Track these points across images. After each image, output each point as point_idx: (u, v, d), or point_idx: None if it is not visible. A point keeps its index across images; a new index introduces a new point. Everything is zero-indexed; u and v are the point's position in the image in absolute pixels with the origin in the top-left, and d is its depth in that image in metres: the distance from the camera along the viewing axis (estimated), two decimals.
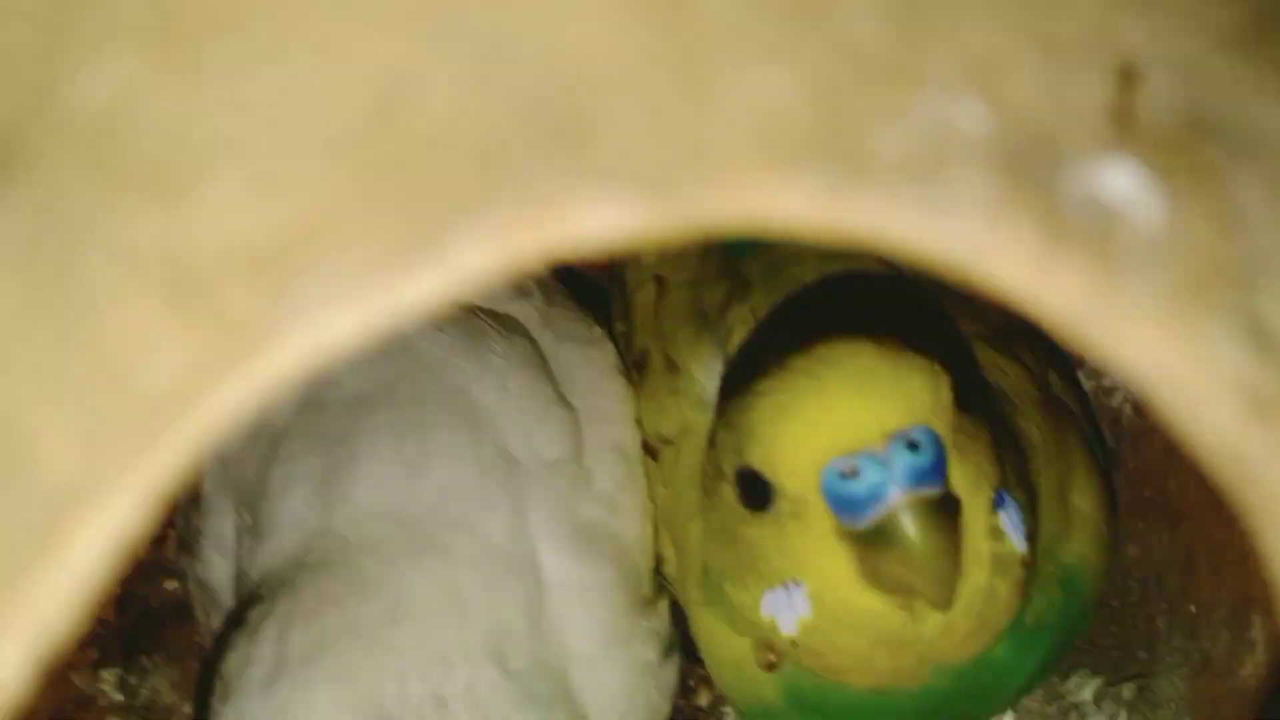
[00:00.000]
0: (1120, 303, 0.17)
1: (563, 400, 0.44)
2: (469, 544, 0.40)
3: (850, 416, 0.32)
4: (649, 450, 0.44)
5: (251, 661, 0.37)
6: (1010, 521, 0.35)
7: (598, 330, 0.47)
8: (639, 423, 0.44)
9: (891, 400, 0.32)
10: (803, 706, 0.39)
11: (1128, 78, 0.18)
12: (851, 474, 0.32)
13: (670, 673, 0.43)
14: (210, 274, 0.16)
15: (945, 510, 0.32)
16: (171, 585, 0.53)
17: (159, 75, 0.17)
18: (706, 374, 0.42)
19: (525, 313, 0.46)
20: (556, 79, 0.16)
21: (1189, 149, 0.18)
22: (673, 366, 0.43)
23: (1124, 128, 0.18)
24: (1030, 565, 0.35)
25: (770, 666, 0.39)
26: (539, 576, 0.41)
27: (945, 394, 0.32)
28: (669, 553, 0.43)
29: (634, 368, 0.45)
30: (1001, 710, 0.44)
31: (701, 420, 0.41)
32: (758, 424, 0.33)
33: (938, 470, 0.32)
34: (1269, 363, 0.18)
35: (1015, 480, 0.36)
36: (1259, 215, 0.18)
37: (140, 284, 0.16)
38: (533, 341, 0.45)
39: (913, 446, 0.31)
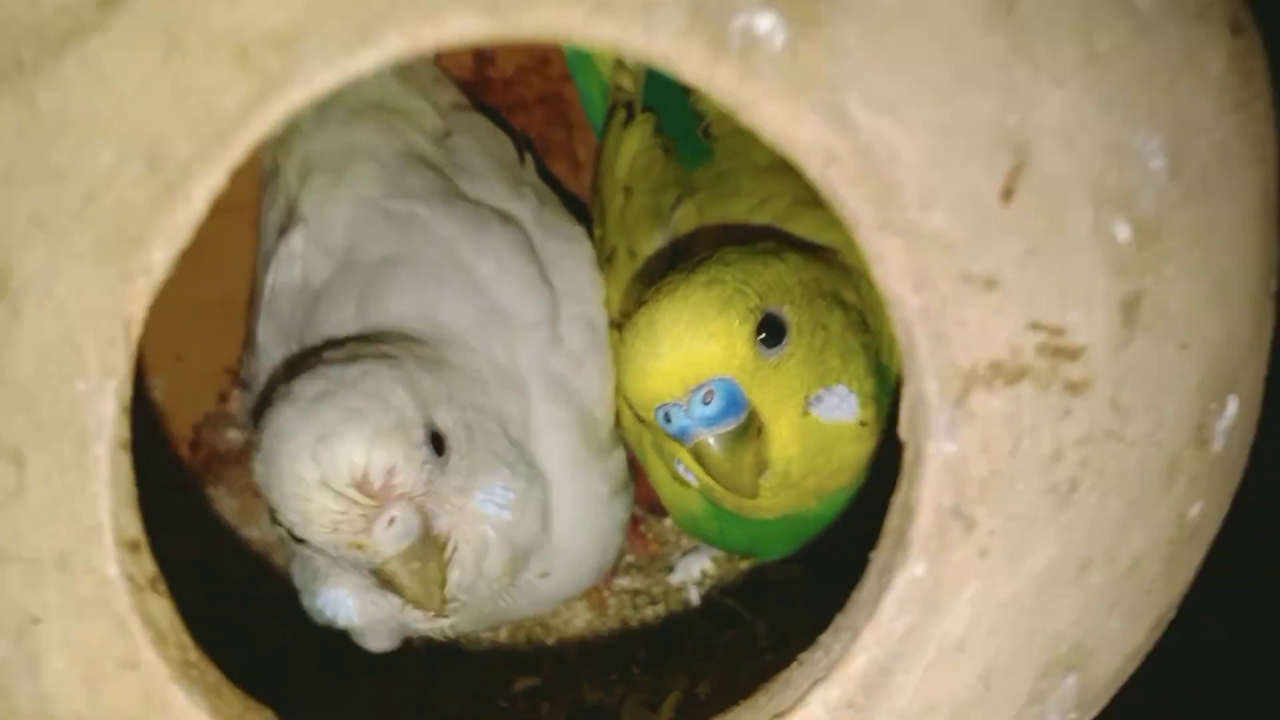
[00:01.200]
0: (754, 91, 0.31)
1: (545, 280, 0.54)
2: (476, 358, 0.51)
3: (663, 375, 0.43)
4: (616, 327, 0.54)
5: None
6: (834, 408, 0.45)
7: (579, 229, 0.58)
8: (607, 305, 0.55)
9: (692, 361, 0.43)
10: (718, 515, 0.51)
11: None
12: (666, 419, 0.44)
13: (619, 508, 0.54)
14: (254, 43, 0.30)
15: (744, 432, 0.43)
16: (233, 434, 0.66)
17: None
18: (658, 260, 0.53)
19: (521, 211, 0.57)
20: None
21: (812, 4, 0.31)
22: (634, 255, 0.54)
23: None
24: (878, 420, 0.46)
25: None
26: (528, 395, 0.52)
27: (741, 349, 0.43)
28: (625, 410, 0.53)
29: (606, 262, 0.56)
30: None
31: None
32: (620, 369, 0.46)
33: (732, 409, 0.43)
34: (840, 132, 0.31)
35: (851, 367, 0.45)
36: (850, 48, 0.32)
37: (219, 50, 0.31)
38: (525, 233, 0.55)
39: (709, 396, 0.43)
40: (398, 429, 0.43)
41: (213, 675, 0.33)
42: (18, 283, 0.31)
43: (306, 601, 0.50)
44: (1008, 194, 0.33)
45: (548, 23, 0.30)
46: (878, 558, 0.34)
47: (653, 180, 0.56)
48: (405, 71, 0.60)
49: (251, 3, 0.30)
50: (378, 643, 0.51)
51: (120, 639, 0.31)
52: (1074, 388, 0.33)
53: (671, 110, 0.59)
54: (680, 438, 0.44)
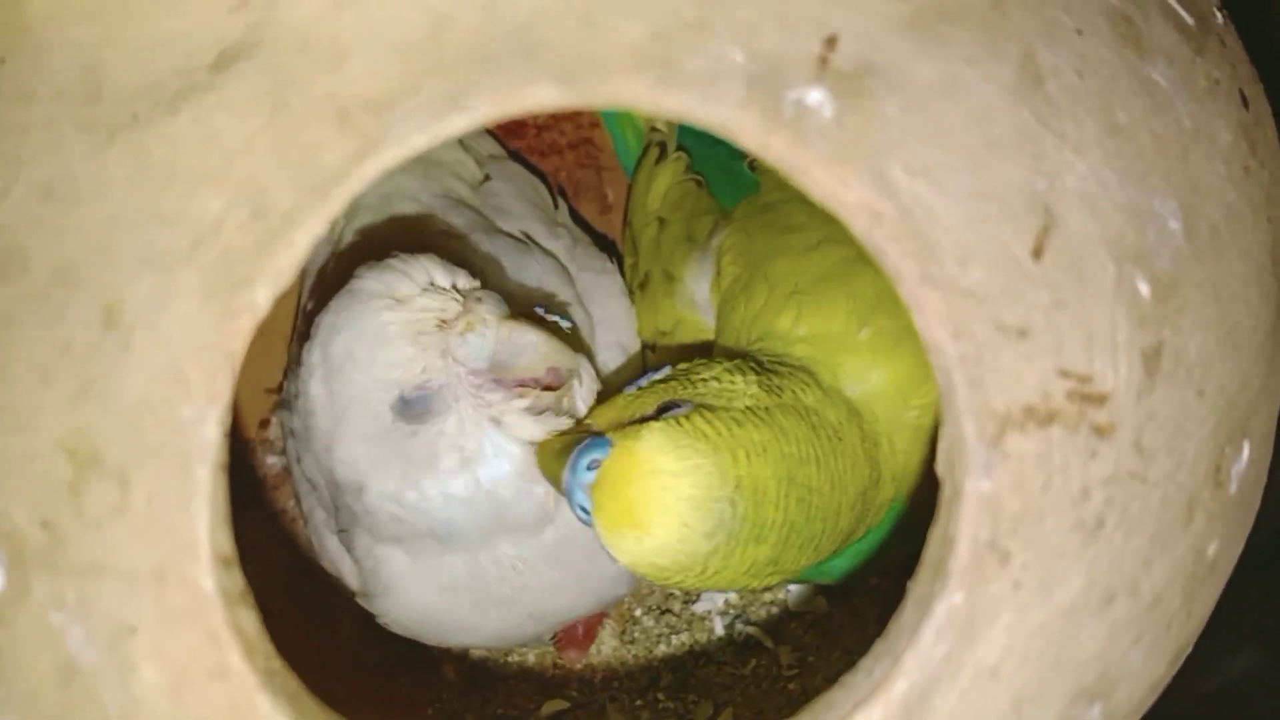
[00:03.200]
0: (805, 158, 0.34)
1: (582, 307, 0.57)
2: None
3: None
4: (649, 348, 0.57)
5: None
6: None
7: (610, 264, 0.61)
8: (640, 328, 0.58)
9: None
10: None
11: (830, 42, 0.34)
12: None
13: None
14: (353, 106, 0.33)
15: None
16: (271, 460, 0.68)
17: (338, 7, 0.34)
18: (694, 281, 0.55)
19: (558, 247, 0.60)
20: (522, 16, 0.33)
21: (858, 81, 0.34)
22: (669, 277, 0.56)
23: (822, 69, 0.34)
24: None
25: None
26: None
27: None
28: None
29: (639, 289, 0.58)
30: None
31: (690, 316, 0.55)
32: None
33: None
34: (883, 195, 0.34)
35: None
36: (891, 119, 0.35)
37: (322, 111, 0.34)
38: (562, 266, 0.58)
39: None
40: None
41: (293, 684, 0.35)
42: (129, 315, 0.34)
43: (462, 482, 0.46)
44: (1038, 252, 0.35)
45: (618, 94, 0.33)
46: (916, 587, 0.36)
47: (686, 210, 0.59)
48: None
49: (353, 69, 0.33)
50: (521, 516, 0.48)
51: (211, 649, 0.34)
52: (1100, 431, 0.36)
53: (710, 150, 0.62)
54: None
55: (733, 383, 0.44)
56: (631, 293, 0.60)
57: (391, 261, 0.45)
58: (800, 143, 0.33)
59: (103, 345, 0.34)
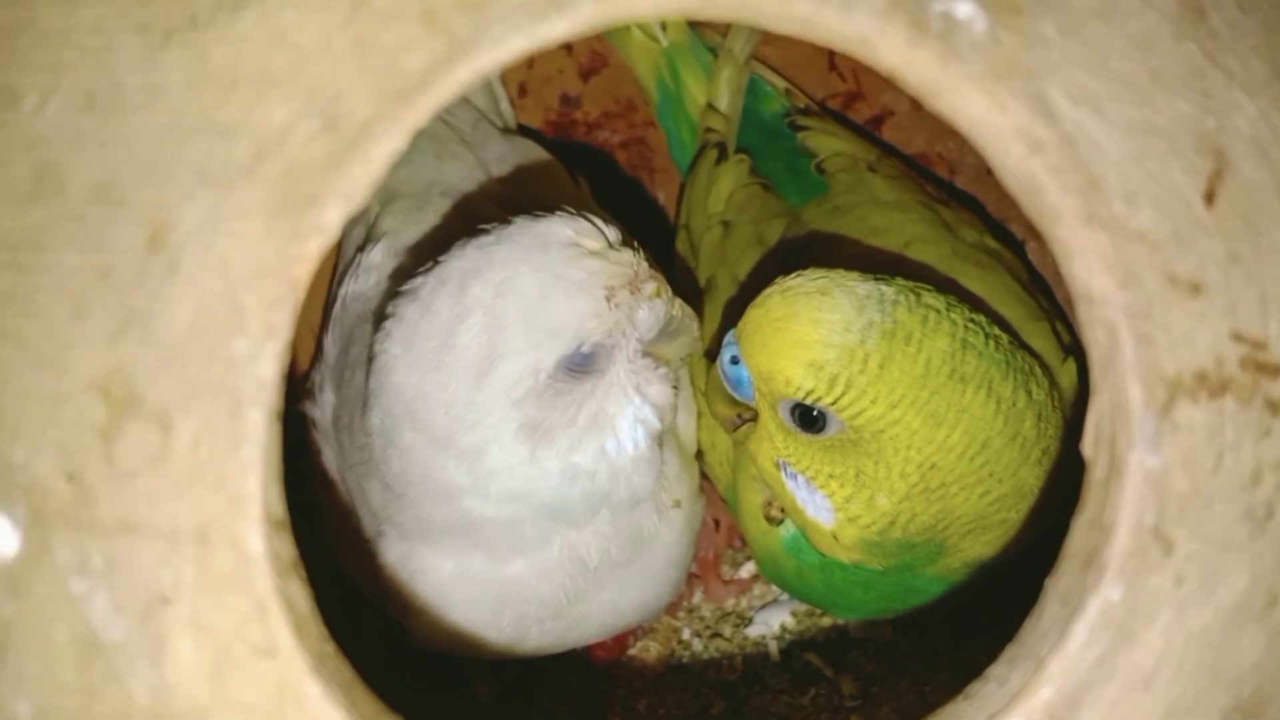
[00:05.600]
0: (955, 74, 0.30)
1: None
2: None
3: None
4: (709, 356, 0.53)
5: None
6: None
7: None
8: (701, 337, 0.55)
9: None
10: (799, 551, 0.50)
11: None
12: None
13: (697, 517, 0.53)
14: (440, 4, 0.29)
15: None
16: None
17: None
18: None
19: None
20: None
21: None
22: (737, 280, 0.53)
23: None
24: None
25: (772, 520, 0.51)
26: None
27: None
28: (707, 443, 0.53)
29: (703, 292, 0.55)
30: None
31: None
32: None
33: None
34: (1043, 121, 0.30)
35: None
36: (1049, 39, 0.31)
37: (406, 9, 0.30)
38: None
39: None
40: None
41: (348, 672, 0.31)
42: (178, 237, 0.30)
43: (591, 454, 0.45)
44: (1209, 197, 0.31)
45: (741, 0, 0.29)
46: (1059, 581, 0.32)
47: (754, 213, 0.56)
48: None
49: None
50: (641, 481, 0.47)
51: (259, 623, 0.29)
52: (1274, 407, 0.31)
53: (773, 148, 0.59)
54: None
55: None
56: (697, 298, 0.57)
57: (574, 213, 0.44)
58: (951, 57, 0.29)
59: (147, 271, 0.30)
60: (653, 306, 0.44)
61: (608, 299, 0.42)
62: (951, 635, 0.58)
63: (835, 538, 0.44)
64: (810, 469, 0.44)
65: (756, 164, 0.58)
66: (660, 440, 0.46)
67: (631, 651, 0.60)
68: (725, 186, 0.58)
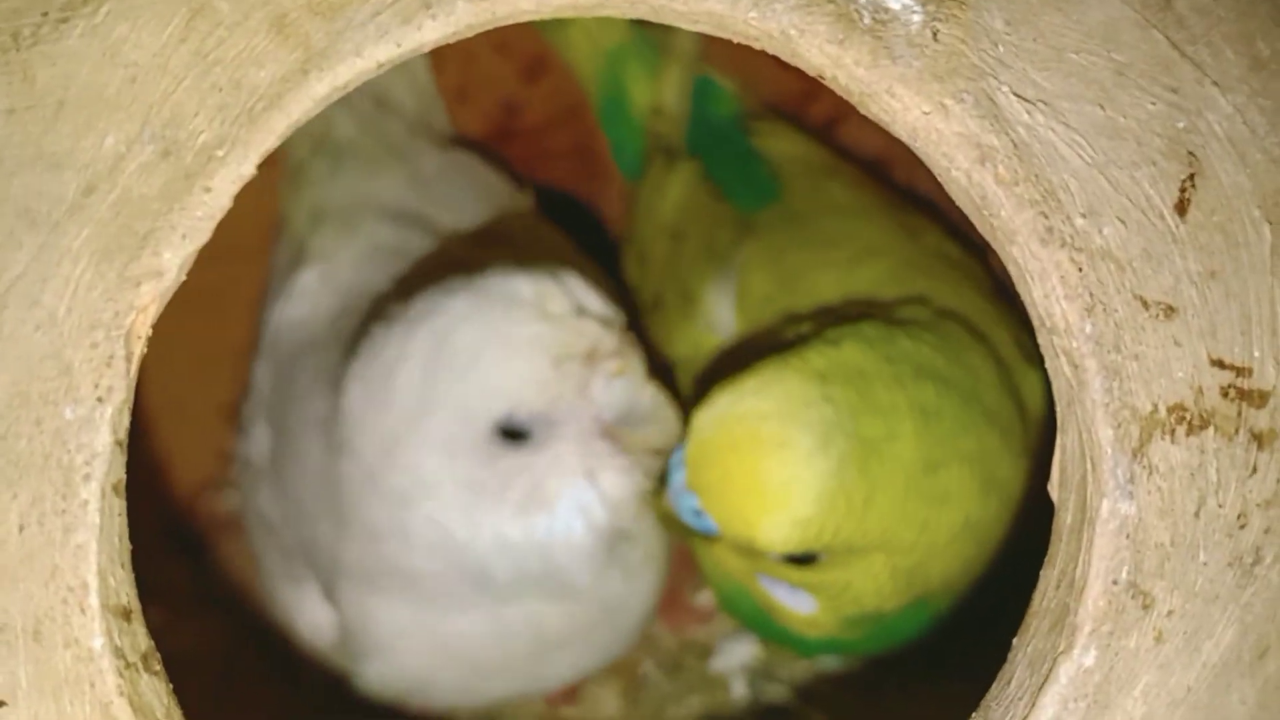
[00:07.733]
0: (888, 75, 0.26)
1: None
2: None
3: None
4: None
5: None
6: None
7: None
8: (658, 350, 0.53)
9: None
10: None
11: None
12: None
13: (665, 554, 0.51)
14: (292, 10, 0.25)
15: None
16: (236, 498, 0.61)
17: None
18: (716, 301, 0.50)
19: None
20: None
21: None
22: (687, 298, 0.51)
23: None
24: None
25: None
26: None
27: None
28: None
29: (651, 309, 0.53)
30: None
31: (711, 340, 0.49)
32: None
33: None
34: (992, 126, 0.27)
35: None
36: (997, 32, 0.27)
37: (253, 16, 0.26)
38: None
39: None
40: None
41: None
42: (0, 289, 0.26)
43: (521, 527, 0.42)
44: (1181, 207, 0.28)
45: None
46: (1026, 643, 0.28)
47: (705, 223, 0.53)
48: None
49: None
50: (578, 575, 0.44)
51: None
52: (1259, 440, 0.28)
53: (724, 152, 0.56)
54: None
55: None
56: (643, 311, 0.54)
57: (547, 272, 0.41)
58: (883, 55, 0.26)
59: None
60: (613, 385, 0.40)
61: (554, 367, 0.39)
62: (927, 659, 0.55)
63: (812, 623, 0.41)
64: (793, 579, 0.41)
65: (707, 169, 0.55)
66: (612, 539, 0.42)
67: (588, 683, 0.57)
68: (674, 194, 0.55)
